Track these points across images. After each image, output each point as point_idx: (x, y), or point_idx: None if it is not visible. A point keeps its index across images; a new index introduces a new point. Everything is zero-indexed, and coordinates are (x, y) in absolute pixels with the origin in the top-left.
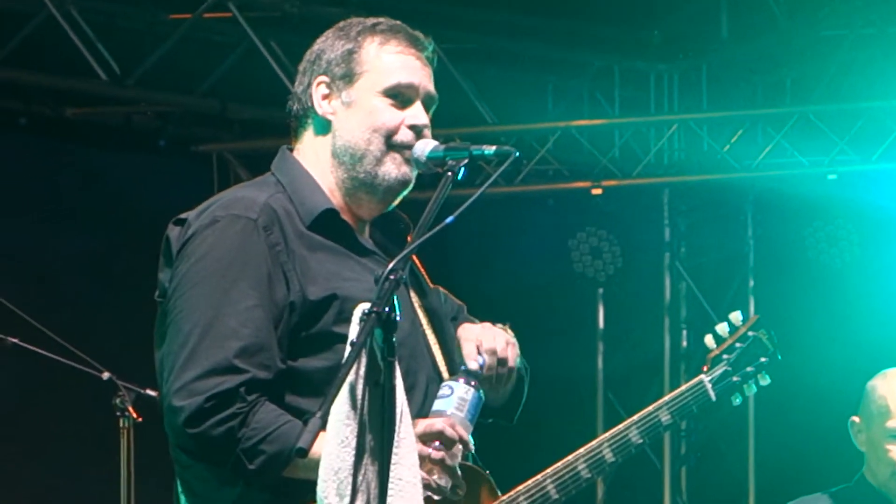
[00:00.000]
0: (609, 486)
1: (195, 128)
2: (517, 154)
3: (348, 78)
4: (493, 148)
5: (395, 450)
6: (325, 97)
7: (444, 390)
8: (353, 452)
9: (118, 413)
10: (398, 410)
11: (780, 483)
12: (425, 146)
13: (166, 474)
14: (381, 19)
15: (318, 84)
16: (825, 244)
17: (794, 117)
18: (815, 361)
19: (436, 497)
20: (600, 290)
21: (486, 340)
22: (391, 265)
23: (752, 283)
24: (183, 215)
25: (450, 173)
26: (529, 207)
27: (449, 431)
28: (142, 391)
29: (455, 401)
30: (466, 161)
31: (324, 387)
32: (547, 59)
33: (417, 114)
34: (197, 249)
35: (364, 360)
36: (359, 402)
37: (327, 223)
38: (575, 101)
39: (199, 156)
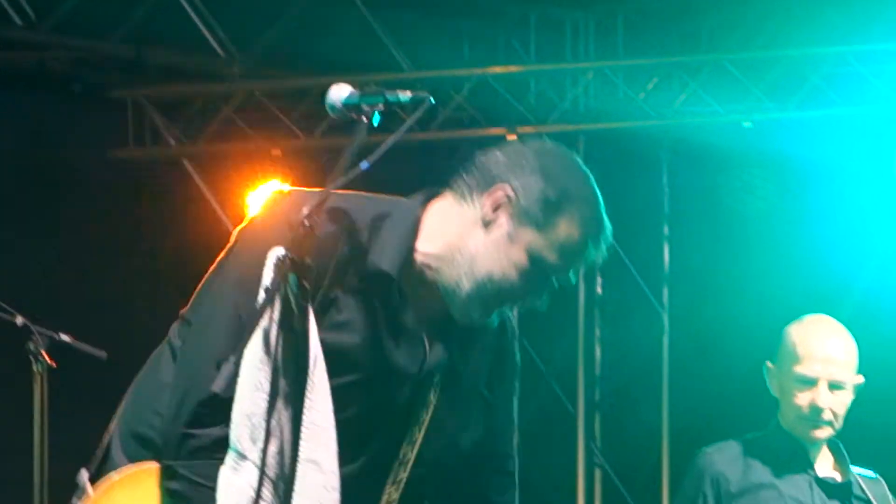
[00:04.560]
0: (522, 432)
1: (110, 73)
2: (432, 100)
3: (528, 220)
4: (409, 94)
5: (308, 395)
6: (498, 205)
7: None
8: (267, 397)
9: (32, 358)
10: (312, 355)
11: (694, 431)
12: (340, 92)
13: (79, 419)
14: (599, 214)
15: (503, 191)
16: (741, 192)
17: (709, 65)
18: (729, 309)
19: None
20: None
21: None
22: (307, 211)
23: (666, 230)
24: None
25: (364, 119)
26: (445, 154)
27: None
28: (56, 336)
29: None
30: (381, 107)
31: None
32: (463, 5)
33: (543, 291)
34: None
35: (278, 306)
36: (272, 347)
37: (380, 284)
38: (491, 47)
39: (113, 101)
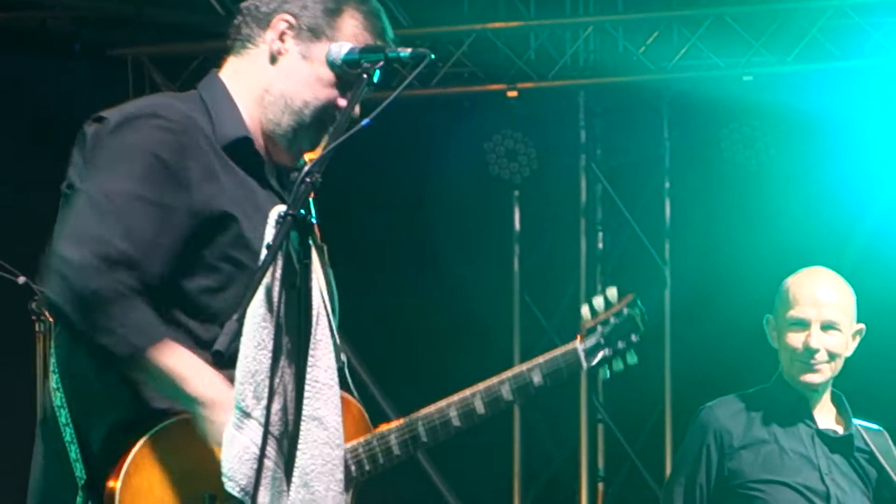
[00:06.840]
0: None
1: (110, 32)
2: (432, 56)
3: (315, 34)
4: (409, 50)
5: (311, 352)
6: (282, 34)
7: None
8: (270, 355)
9: (34, 317)
10: (314, 312)
11: (696, 385)
12: (340, 49)
13: None
14: None
15: (282, 19)
16: (740, 146)
17: (709, 19)
18: (730, 263)
19: None
20: (516, 193)
21: None
22: (308, 167)
23: (667, 184)
24: (103, 113)
25: (365, 76)
26: (445, 110)
27: None
28: None
29: None
30: (381, 64)
31: (206, 309)
32: None
33: (353, 105)
34: (112, 142)
35: (280, 263)
36: (275, 304)
37: (241, 151)
38: (490, 2)
39: (114, 60)
